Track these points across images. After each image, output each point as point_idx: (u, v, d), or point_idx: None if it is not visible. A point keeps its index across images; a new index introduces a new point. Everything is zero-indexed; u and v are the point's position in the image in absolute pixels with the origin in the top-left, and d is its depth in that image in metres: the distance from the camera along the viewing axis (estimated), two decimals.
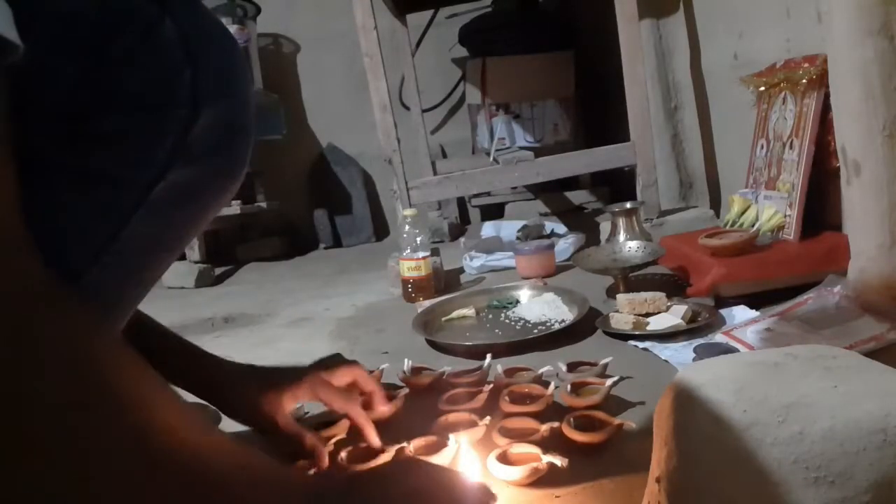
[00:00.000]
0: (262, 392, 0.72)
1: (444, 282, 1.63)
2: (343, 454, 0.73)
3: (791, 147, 1.23)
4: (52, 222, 0.41)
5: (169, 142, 0.45)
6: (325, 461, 0.72)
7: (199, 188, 0.50)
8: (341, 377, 0.79)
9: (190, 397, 0.72)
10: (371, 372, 0.98)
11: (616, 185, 2.51)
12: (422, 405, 0.87)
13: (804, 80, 1.18)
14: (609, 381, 0.84)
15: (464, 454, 0.70)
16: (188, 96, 0.46)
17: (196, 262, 2.33)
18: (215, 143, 0.48)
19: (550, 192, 2.57)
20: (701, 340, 1.00)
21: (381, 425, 0.78)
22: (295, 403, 0.74)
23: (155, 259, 0.51)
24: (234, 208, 2.50)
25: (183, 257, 2.32)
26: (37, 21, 0.39)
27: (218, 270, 2.42)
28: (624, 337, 1.07)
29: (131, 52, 0.43)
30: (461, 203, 2.86)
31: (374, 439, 0.75)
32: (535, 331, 1.16)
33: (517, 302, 1.35)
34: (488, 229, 2.11)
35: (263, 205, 2.71)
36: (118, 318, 0.49)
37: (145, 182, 0.45)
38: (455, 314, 1.33)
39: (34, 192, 0.38)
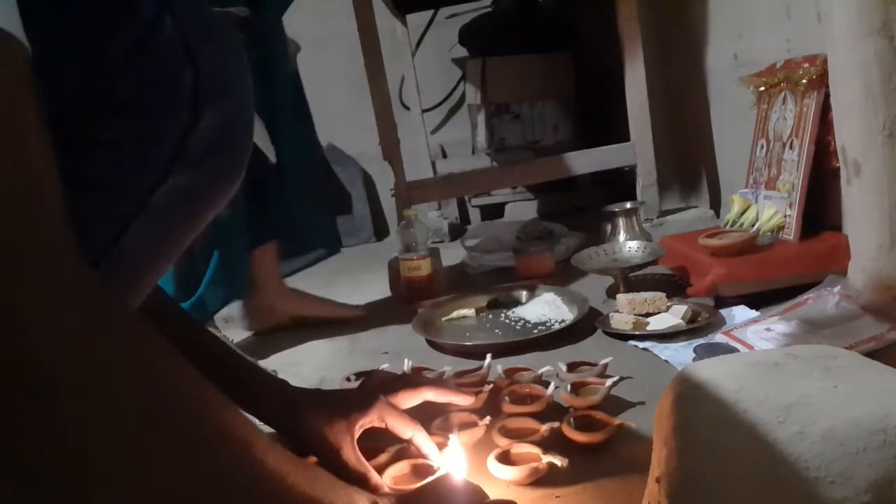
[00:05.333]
0: (330, 421, 0.66)
1: (444, 282, 1.63)
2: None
3: (791, 147, 1.23)
4: None
5: (169, 145, 0.44)
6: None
7: (199, 191, 0.49)
8: (405, 400, 0.75)
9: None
10: (370, 372, 0.98)
11: (616, 185, 2.51)
12: (423, 405, 0.87)
13: (804, 80, 1.18)
14: (609, 381, 0.85)
15: (454, 454, 0.69)
16: (189, 98, 0.45)
17: None
18: (215, 146, 0.48)
19: (550, 192, 2.56)
20: (701, 340, 1.00)
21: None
22: (359, 433, 0.68)
23: (153, 264, 0.51)
24: None
25: None
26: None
27: None
28: (624, 337, 1.07)
29: (130, 53, 0.42)
30: (461, 203, 2.86)
31: (439, 463, 0.70)
32: (535, 331, 1.16)
33: (517, 302, 1.35)
34: (488, 229, 2.10)
35: None
36: None
37: (145, 188, 0.45)
38: (455, 314, 1.33)
39: None
